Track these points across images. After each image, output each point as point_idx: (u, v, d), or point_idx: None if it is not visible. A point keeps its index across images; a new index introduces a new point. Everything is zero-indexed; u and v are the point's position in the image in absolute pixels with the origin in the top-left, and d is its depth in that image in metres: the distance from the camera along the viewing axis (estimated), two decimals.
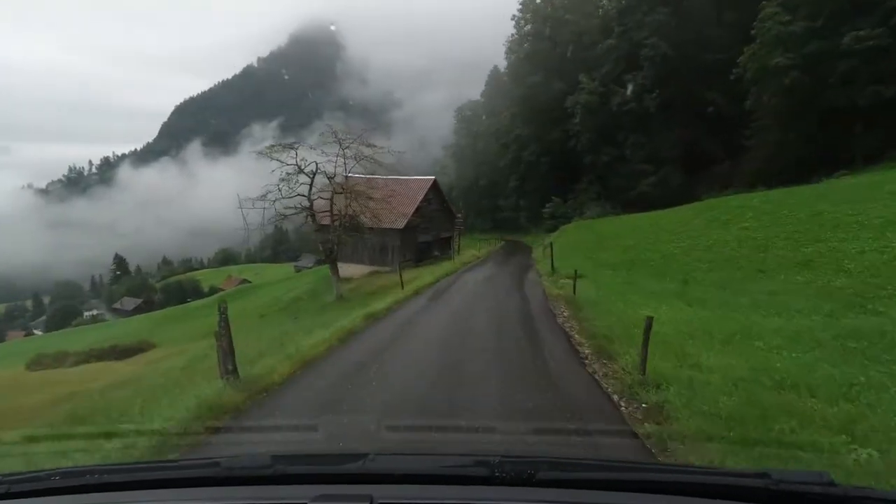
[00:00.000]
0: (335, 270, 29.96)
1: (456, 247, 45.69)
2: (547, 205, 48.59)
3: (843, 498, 1.23)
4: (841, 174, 28.65)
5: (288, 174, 28.55)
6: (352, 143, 29.57)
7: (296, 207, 28.63)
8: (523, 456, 1.61)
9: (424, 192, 39.24)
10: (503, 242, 51.28)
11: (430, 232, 40.45)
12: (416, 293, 17.11)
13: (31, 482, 1.51)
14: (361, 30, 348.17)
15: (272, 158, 27.90)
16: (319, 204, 29.23)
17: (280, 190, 28.13)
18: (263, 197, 27.05)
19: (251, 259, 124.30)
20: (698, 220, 21.74)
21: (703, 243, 18.73)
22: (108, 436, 5.24)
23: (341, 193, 29.33)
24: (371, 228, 32.23)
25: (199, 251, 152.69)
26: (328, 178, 29.33)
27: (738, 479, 1.39)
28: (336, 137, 29.69)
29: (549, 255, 23.08)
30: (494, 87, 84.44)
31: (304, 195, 28.73)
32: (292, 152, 28.20)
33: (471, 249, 36.89)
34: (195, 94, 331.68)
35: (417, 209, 38.00)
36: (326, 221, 29.12)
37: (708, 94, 43.45)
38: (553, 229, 47.48)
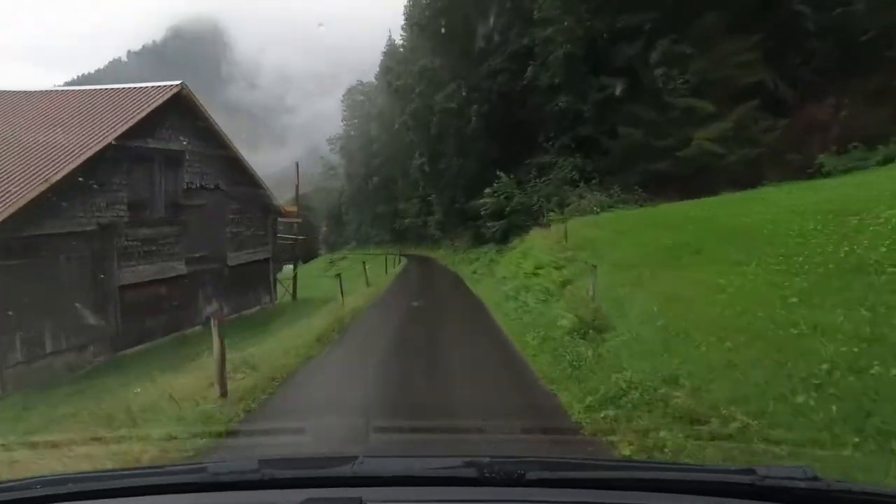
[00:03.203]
0: None
1: (275, 289, 19.74)
2: (485, 191, 24.03)
3: (826, 492, 1.24)
4: None
5: None
6: None
7: None
8: (513, 456, 1.56)
9: (126, 125, 12.85)
10: (404, 262, 28.33)
11: (176, 253, 14.22)
12: None
13: (9, 492, 1.42)
14: (251, 29, 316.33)
15: None
16: None
17: None
18: None
19: None
20: None
21: None
22: None
23: None
24: None
25: None
26: None
27: (724, 476, 1.41)
28: None
29: None
30: (391, 64, 63.00)
31: None
32: None
33: (309, 319, 10.35)
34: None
35: (101, 178, 11.79)
36: None
37: None
38: (500, 239, 23.26)
